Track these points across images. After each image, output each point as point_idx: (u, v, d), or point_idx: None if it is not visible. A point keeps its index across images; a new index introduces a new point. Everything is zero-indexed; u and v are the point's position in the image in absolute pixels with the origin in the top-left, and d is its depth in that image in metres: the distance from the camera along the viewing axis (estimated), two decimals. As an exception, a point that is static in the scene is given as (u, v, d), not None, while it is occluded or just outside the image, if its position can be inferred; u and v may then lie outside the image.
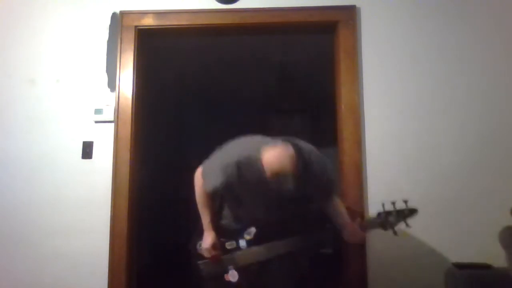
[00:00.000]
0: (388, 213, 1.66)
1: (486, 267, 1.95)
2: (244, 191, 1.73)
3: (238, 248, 1.74)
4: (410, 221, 1.70)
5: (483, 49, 2.21)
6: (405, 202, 1.65)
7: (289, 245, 1.72)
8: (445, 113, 2.18)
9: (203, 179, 1.76)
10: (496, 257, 1.97)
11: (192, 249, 1.83)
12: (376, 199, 2.12)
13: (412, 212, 1.67)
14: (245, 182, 1.66)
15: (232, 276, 1.71)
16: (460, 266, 1.93)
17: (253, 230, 1.75)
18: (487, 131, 2.15)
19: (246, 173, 1.65)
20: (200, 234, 1.80)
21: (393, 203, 1.66)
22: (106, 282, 2.12)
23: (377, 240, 2.10)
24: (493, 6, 2.25)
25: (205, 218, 1.80)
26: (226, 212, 1.85)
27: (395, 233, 1.66)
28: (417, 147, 2.16)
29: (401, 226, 1.70)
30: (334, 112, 2.32)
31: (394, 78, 2.22)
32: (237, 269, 1.72)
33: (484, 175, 2.12)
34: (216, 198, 1.81)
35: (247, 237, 1.74)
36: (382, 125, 2.18)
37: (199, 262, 1.75)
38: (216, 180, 1.69)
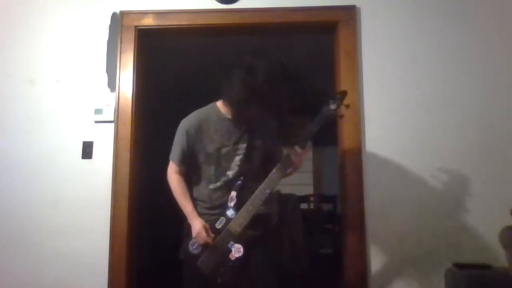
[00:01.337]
0: (325, 104, 1.72)
1: (486, 267, 1.95)
2: (210, 142, 1.79)
3: (228, 220, 1.70)
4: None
5: (483, 49, 2.21)
6: (329, 90, 1.75)
7: (269, 183, 1.69)
8: (445, 113, 2.18)
9: (172, 161, 1.86)
10: (496, 257, 1.97)
11: (184, 254, 1.77)
12: (376, 199, 2.13)
13: (342, 93, 1.76)
14: (209, 134, 1.79)
15: (237, 250, 1.66)
16: (460, 266, 1.94)
17: (233, 194, 1.73)
18: (487, 131, 2.15)
19: (208, 126, 1.80)
20: (188, 233, 1.76)
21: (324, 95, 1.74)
22: (106, 282, 2.12)
23: (377, 240, 2.10)
24: (493, 6, 2.25)
25: (187, 207, 1.79)
26: (198, 192, 1.83)
27: (341, 116, 1.75)
28: (417, 146, 2.16)
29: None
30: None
31: (394, 78, 2.22)
32: (238, 240, 1.67)
33: (484, 175, 2.12)
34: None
35: (231, 203, 1.72)
36: (382, 125, 2.18)
37: (198, 262, 1.71)
38: (182, 145, 1.81)
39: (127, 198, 2.17)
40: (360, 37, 2.26)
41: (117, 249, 2.14)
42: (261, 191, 1.68)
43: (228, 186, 1.77)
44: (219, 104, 1.86)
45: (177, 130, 1.86)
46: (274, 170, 1.70)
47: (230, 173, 1.78)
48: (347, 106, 1.74)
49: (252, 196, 1.69)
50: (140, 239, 2.36)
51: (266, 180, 1.70)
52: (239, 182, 1.75)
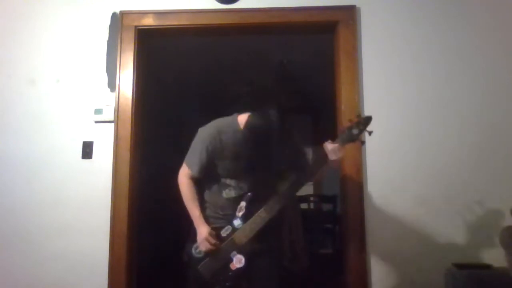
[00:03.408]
0: (349, 128, 1.70)
1: (486, 267, 1.96)
2: (229, 155, 1.77)
3: (234, 229, 1.70)
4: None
5: (483, 49, 2.21)
6: (358, 115, 1.74)
7: (280, 199, 1.69)
8: (445, 113, 2.18)
9: (188, 167, 1.83)
10: (496, 257, 1.97)
11: (187, 256, 1.78)
12: (376, 199, 2.13)
13: (367, 119, 1.73)
14: (228, 147, 1.77)
15: (238, 261, 1.66)
16: (460, 266, 1.94)
17: (243, 204, 1.73)
18: (487, 131, 2.15)
19: (228, 138, 1.77)
20: (193, 237, 1.77)
21: (350, 120, 1.73)
22: (106, 282, 2.12)
23: (377, 239, 2.10)
24: (493, 6, 2.25)
25: (195, 212, 1.78)
26: (210, 196, 1.84)
27: (363, 142, 1.74)
28: (417, 146, 2.16)
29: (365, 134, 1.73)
30: (334, 112, 2.32)
31: (394, 78, 2.22)
32: (241, 252, 1.67)
33: (484, 175, 2.12)
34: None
35: (239, 213, 1.72)
36: (382, 124, 2.18)
37: (199, 267, 1.71)
38: (201, 156, 1.78)
39: (127, 198, 2.17)
40: (360, 37, 2.26)
41: (117, 249, 2.14)
42: (271, 206, 1.68)
43: (242, 198, 1.76)
44: (240, 118, 1.81)
45: (195, 138, 1.83)
46: (286, 186, 1.70)
47: (245, 186, 1.78)
48: (370, 133, 1.69)
49: (261, 209, 1.68)
50: (140, 239, 2.36)
51: (279, 195, 1.70)
52: (249, 193, 1.75)
